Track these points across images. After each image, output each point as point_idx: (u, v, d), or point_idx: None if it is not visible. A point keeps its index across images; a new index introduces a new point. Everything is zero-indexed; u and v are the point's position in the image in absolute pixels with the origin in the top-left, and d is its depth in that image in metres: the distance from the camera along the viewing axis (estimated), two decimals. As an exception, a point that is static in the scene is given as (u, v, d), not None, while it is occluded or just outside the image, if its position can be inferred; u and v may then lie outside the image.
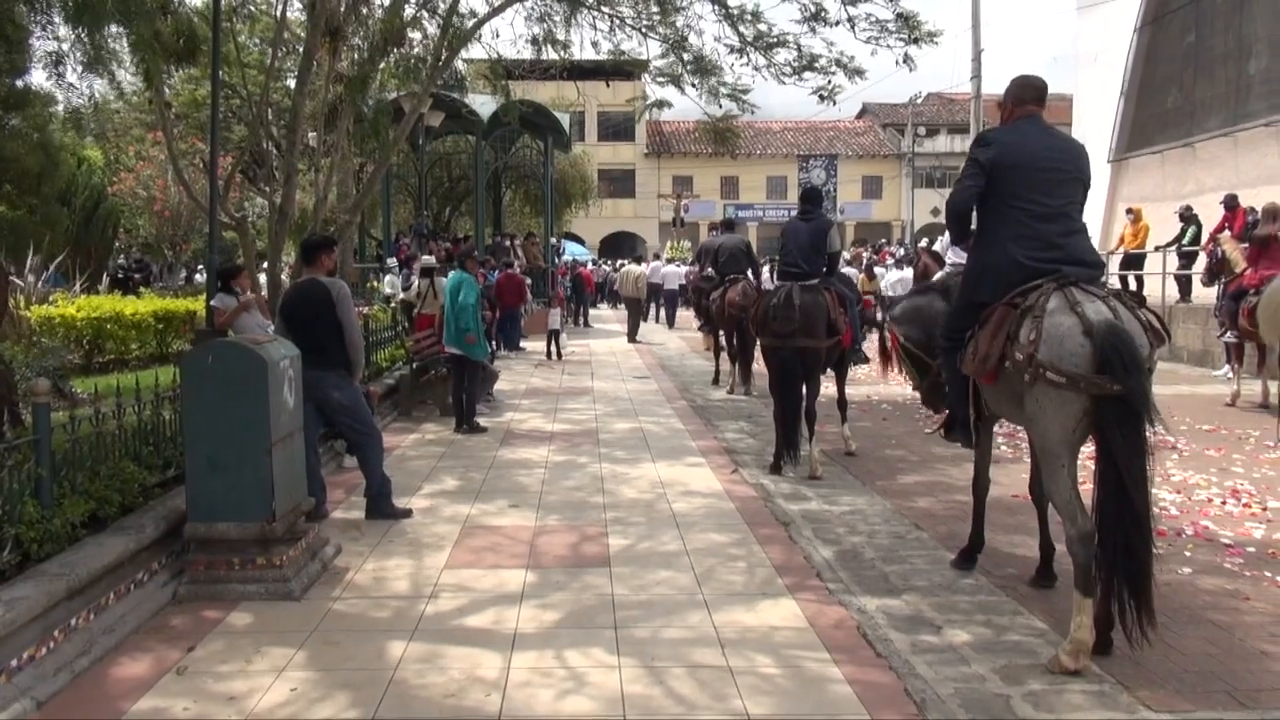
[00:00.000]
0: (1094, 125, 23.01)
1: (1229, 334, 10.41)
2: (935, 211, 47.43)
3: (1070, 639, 3.64)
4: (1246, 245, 10.33)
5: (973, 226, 4.40)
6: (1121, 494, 3.62)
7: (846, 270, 13.98)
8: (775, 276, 8.05)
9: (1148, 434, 3.70)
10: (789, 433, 7.10)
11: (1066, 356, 3.68)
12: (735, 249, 11.48)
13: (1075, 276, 3.90)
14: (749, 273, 11.31)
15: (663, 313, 24.65)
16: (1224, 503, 6.21)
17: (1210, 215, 14.78)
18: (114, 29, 7.25)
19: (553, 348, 15.99)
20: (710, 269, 11.86)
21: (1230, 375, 10.60)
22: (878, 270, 20.72)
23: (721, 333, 12.00)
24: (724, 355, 12.21)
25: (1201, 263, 12.52)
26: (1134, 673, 3.62)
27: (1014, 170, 4.08)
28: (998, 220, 4.15)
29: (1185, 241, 15.01)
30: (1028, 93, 4.30)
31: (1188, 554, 5.12)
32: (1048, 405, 3.79)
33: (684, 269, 23.73)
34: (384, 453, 6.42)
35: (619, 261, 34.67)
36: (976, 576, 4.76)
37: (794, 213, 7.73)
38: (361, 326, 10.69)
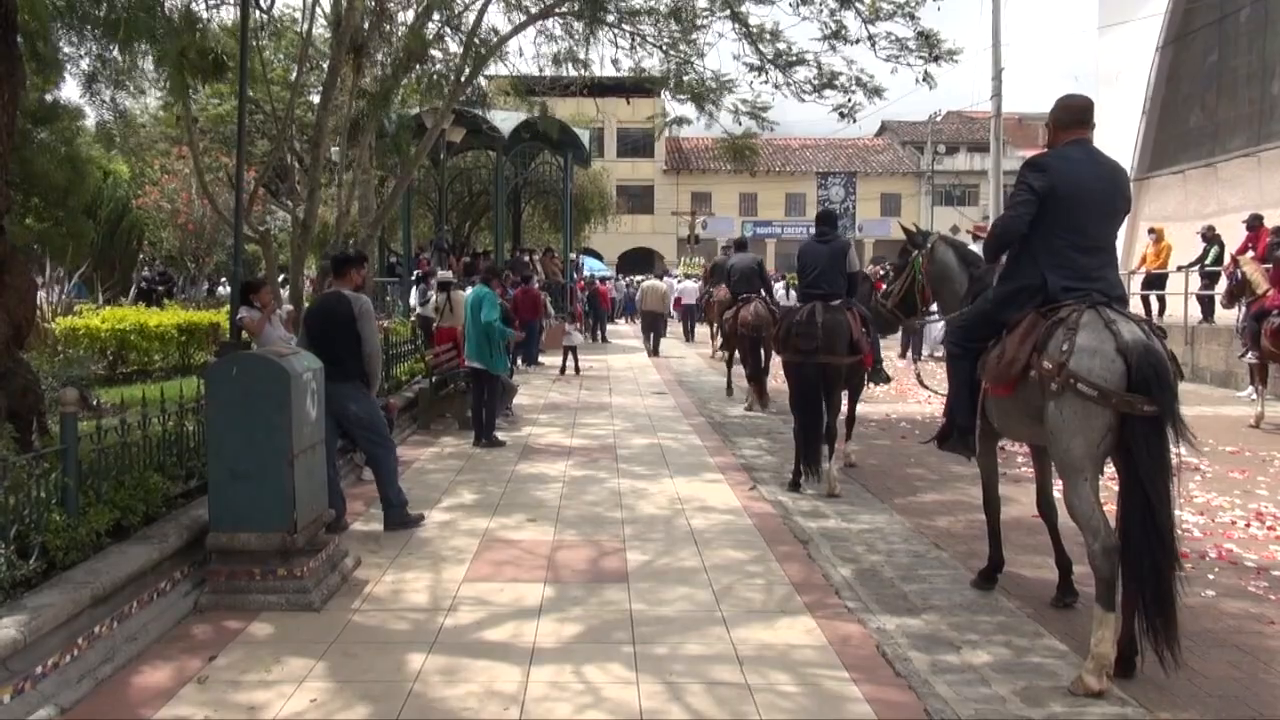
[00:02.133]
0: (1115, 144, 22.83)
1: (1251, 355, 10.32)
2: (955, 229, 47.23)
3: (1092, 655, 3.62)
4: (1269, 266, 10.28)
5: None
6: (1147, 513, 3.63)
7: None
8: (797, 298, 8.17)
9: (1172, 454, 3.71)
10: (809, 449, 7.11)
11: (1099, 370, 3.71)
12: (748, 268, 11.53)
13: (1103, 300, 3.94)
14: (761, 291, 11.35)
15: (676, 327, 25.41)
16: (1248, 525, 6.14)
17: (1233, 235, 14.69)
18: (143, 46, 7.37)
19: (568, 363, 16.03)
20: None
21: (1254, 396, 10.52)
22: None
23: (736, 350, 12.01)
24: (736, 369, 12.34)
25: (1223, 284, 12.46)
26: (1157, 696, 3.59)
27: (1065, 201, 4.07)
28: (1039, 247, 4.14)
29: (1208, 262, 14.92)
30: (1073, 115, 4.25)
31: (1211, 577, 5.06)
32: (1073, 417, 3.78)
33: (697, 285, 24.08)
34: (398, 466, 6.46)
35: (637, 277, 34.85)
36: (997, 597, 4.73)
37: (810, 231, 7.81)
38: (381, 340, 10.83)
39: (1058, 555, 4.71)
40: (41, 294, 11.76)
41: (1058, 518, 4.65)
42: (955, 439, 4.83)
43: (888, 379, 8.40)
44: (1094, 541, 3.75)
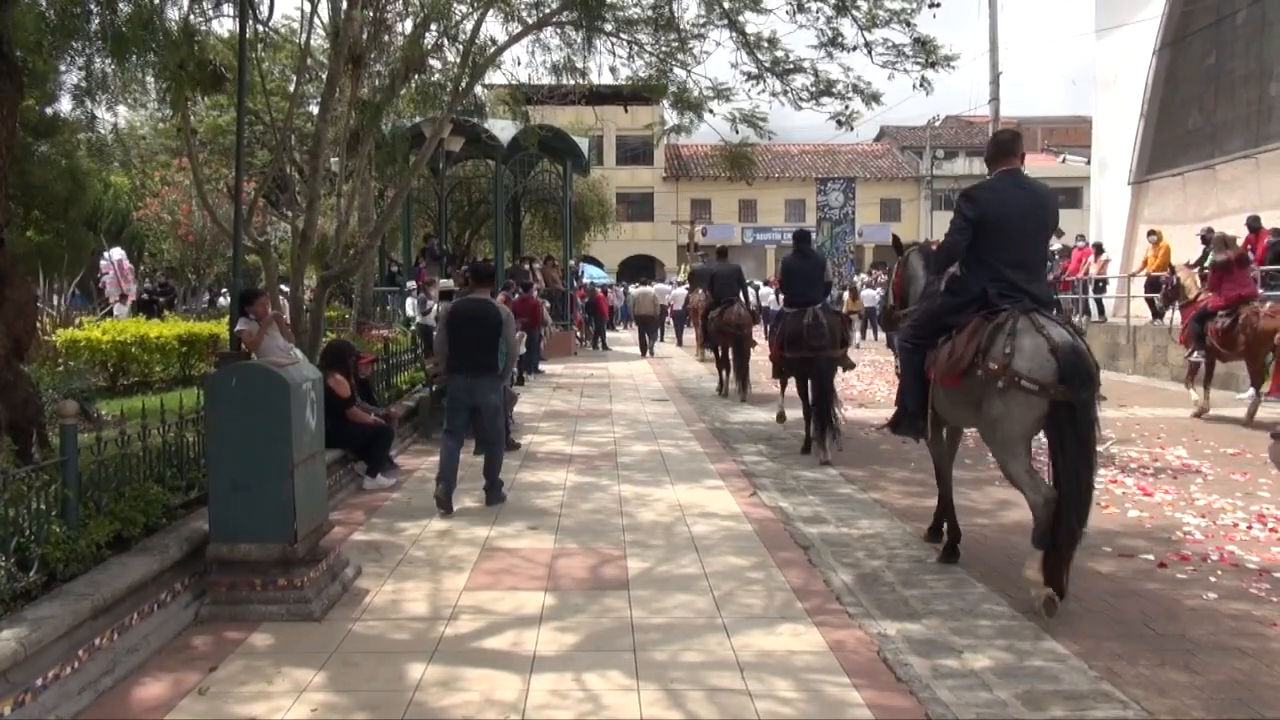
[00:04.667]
0: (1113, 147, 22.94)
1: (1195, 354, 11.18)
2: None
3: (1025, 579, 4.52)
4: (1205, 272, 11.38)
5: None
6: (1072, 476, 4.45)
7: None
8: (785, 303, 9.67)
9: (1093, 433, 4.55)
10: (822, 421, 8.62)
11: (1037, 369, 4.46)
12: (730, 275, 13.18)
13: (1033, 307, 4.72)
14: (741, 296, 12.95)
15: (670, 332, 27.31)
16: (1250, 528, 6.13)
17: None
18: (141, 59, 7.40)
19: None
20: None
21: (1250, 397, 10.77)
22: (865, 292, 23.67)
23: (719, 347, 13.56)
24: (718, 364, 13.95)
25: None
26: (1160, 700, 3.58)
27: (994, 226, 4.86)
28: (977, 264, 4.94)
29: (1207, 264, 14.93)
30: (1002, 149, 5.08)
31: (1213, 580, 5.06)
32: (1016, 407, 4.57)
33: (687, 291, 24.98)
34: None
35: (631, 287, 35.05)
36: (998, 601, 4.72)
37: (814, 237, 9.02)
38: (381, 349, 10.85)
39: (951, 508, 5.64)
40: (41, 305, 11.79)
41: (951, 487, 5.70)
42: (906, 424, 5.54)
43: (852, 365, 9.56)
44: (1036, 496, 4.55)
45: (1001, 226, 4.85)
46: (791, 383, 9.64)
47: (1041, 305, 4.78)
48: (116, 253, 20.08)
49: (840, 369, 9.10)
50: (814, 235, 44.30)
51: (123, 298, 19.46)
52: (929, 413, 5.31)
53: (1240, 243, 13.81)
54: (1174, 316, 12.59)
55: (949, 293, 5.18)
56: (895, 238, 6.92)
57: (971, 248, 4.94)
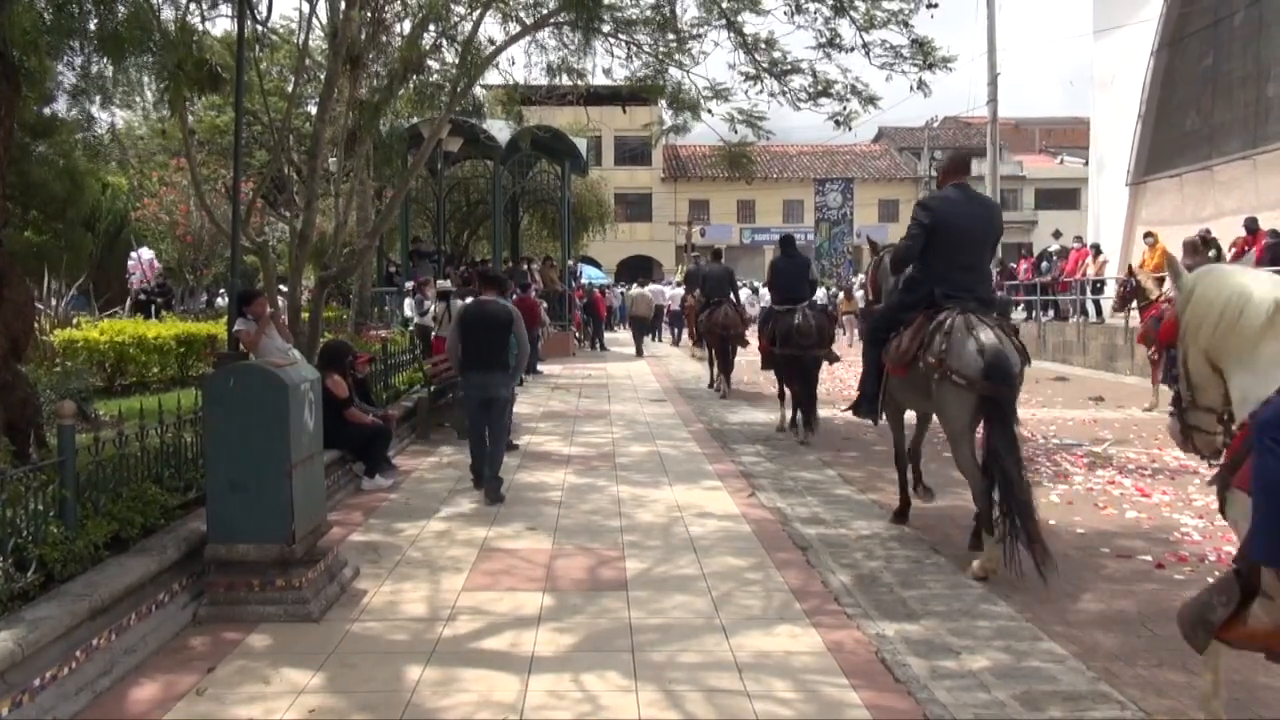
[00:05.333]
0: (1111, 148, 22.97)
1: (1154, 352, 11.65)
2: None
3: (983, 557, 5.13)
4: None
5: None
6: (997, 460, 5.02)
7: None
8: (774, 302, 10.31)
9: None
10: (807, 414, 9.57)
11: (966, 366, 5.06)
12: (721, 276, 13.81)
13: (974, 307, 5.27)
14: (731, 296, 13.60)
15: (667, 332, 27.98)
16: (1247, 528, 6.13)
17: (1230, 239, 14.71)
18: (139, 59, 7.39)
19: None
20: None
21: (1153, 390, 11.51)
22: (857, 293, 24.08)
23: (707, 343, 14.51)
24: (709, 361, 14.87)
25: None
26: (1157, 701, 3.58)
27: (944, 232, 5.44)
28: (929, 267, 5.53)
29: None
30: (956, 165, 5.84)
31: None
32: (950, 398, 5.21)
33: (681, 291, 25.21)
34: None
35: (625, 285, 35.17)
36: (995, 602, 4.72)
37: (810, 237, 9.88)
38: (379, 350, 10.84)
39: (901, 484, 6.33)
40: (39, 306, 11.75)
41: (920, 460, 6.38)
42: (864, 407, 6.21)
43: (836, 359, 10.14)
44: (975, 485, 5.24)
45: (951, 233, 5.44)
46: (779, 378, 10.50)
47: (984, 305, 5.37)
48: (146, 253, 20.12)
49: (826, 363, 9.98)
50: (812, 236, 44.30)
51: (144, 294, 19.47)
52: (883, 398, 6.03)
53: (1237, 244, 13.88)
54: (1134, 316, 13.35)
55: (904, 291, 5.81)
56: (870, 241, 8.15)
57: (924, 252, 5.52)
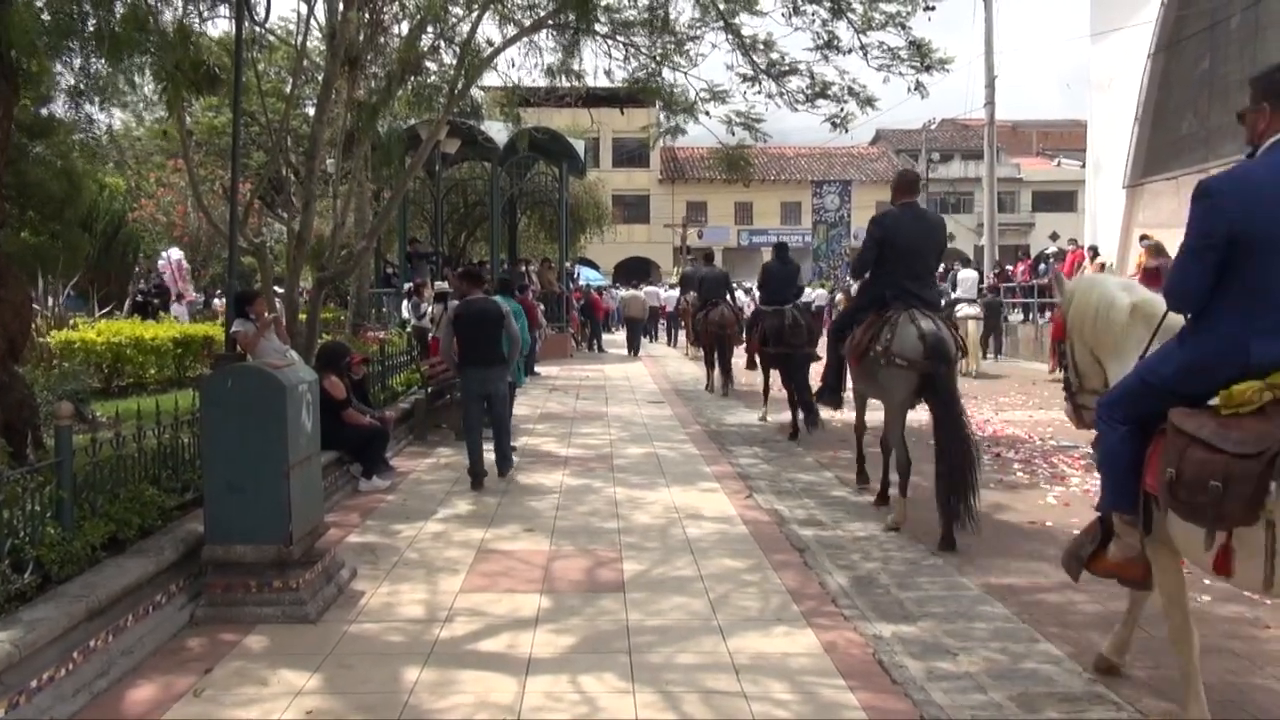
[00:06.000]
0: (1108, 150, 22.98)
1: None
2: (950, 237, 47.28)
3: (894, 512, 6.25)
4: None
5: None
6: (947, 431, 5.79)
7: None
8: (763, 302, 11.03)
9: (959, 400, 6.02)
10: (797, 405, 10.09)
11: (907, 350, 5.90)
12: (717, 279, 14.25)
13: (918, 305, 6.08)
14: (726, 297, 14.08)
15: (664, 333, 28.92)
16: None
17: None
18: (136, 59, 7.38)
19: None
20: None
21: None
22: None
23: (704, 343, 14.73)
24: (705, 361, 15.07)
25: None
26: (1154, 701, 3.59)
27: (893, 246, 6.28)
28: (880, 276, 6.39)
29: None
30: (905, 184, 6.62)
31: (1206, 582, 5.06)
32: (894, 380, 6.05)
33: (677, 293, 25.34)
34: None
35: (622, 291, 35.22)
36: (992, 603, 4.73)
37: (807, 239, 10.41)
38: (377, 352, 10.83)
39: (866, 458, 7.44)
40: (36, 307, 11.73)
41: (887, 455, 6.81)
42: (827, 395, 7.36)
43: (819, 358, 10.12)
44: (900, 455, 6.22)
45: (899, 246, 6.26)
46: (772, 377, 11.16)
47: (927, 305, 6.19)
48: (175, 253, 20.07)
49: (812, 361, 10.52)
50: (810, 238, 44.32)
51: (179, 298, 19.39)
52: (843, 386, 7.24)
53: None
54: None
55: (860, 295, 6.84)
56: (854, 249, 8.40)
57: (877, 261, 6.37)
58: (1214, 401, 2.86)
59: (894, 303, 6.18)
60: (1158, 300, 3.47)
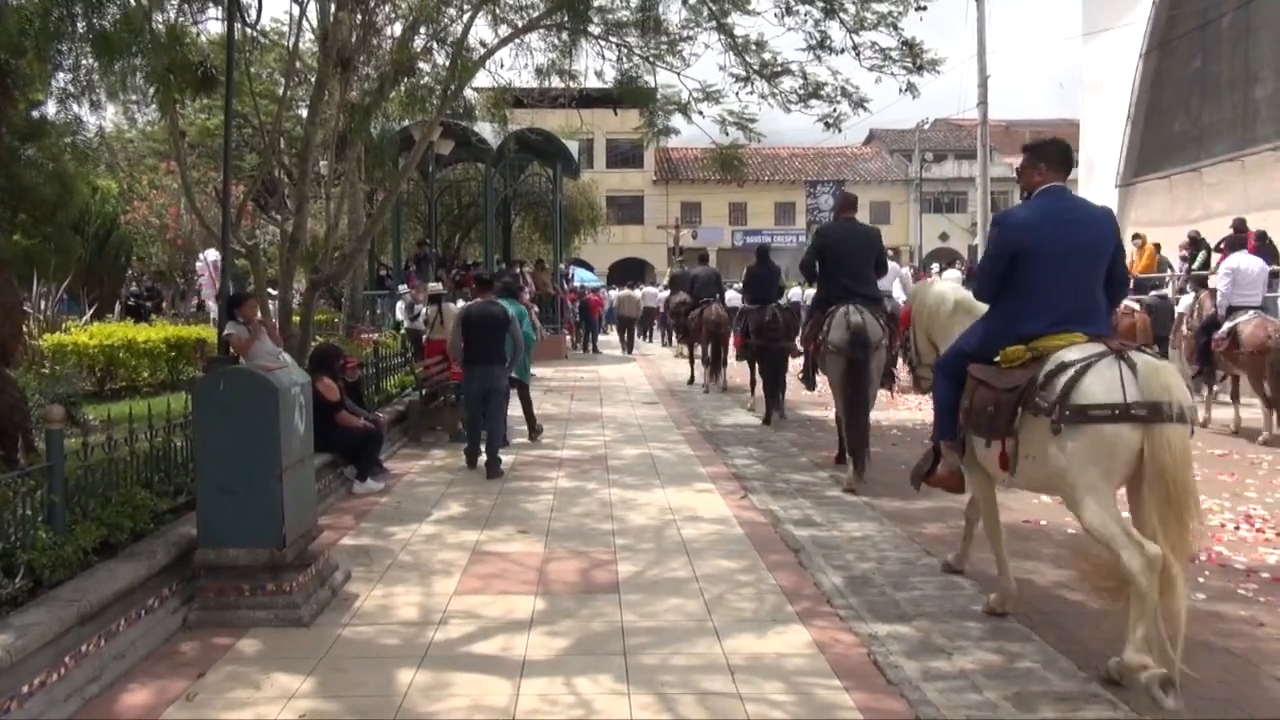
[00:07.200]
0: (1100, 150, 23.04)
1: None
2: (944, 236, 47.45)
3: (847, 478, 7.43)
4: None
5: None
6: (852, 401, 7.39)
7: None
8: (748, 301, 12.02)
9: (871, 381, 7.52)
10: (774, 399, 11.22)
11: (837, 339, 7.34)
12: (708, 278, 15.13)
13: (856, 302, 7.44)
14: (717, 296, 14.72)
15: (657, 333, 29.25)
16: (1237, 528, 6.17)
17: (1218, 240, 14.78)
18: (128, 62, 7.35)
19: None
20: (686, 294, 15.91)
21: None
22: None
23: (697, 343, 15.33)
24: (697, 361, 15.54)
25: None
26: (1150, 701, 3.58)
27: (834, 254, 7.76)
28: (827, 279, 7.84)
29: (1195, 266, 15.08)
30: (846, 203, 8.44)
31: (1201, 580, 5.07)
32: (830, 364, 7.50)
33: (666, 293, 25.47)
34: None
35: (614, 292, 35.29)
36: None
37: (803, 239, 11.52)
38: (370, 354, 10.81)
39: (847, 442, 7.89)
40: (28, 310, 11.68)
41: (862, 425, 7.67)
42: (806, 380, 8.72)
43: (799, 353, 10.61)
44: (841, 423, 7.71)
45: (838, 254, 7.72)
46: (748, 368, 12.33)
47: (867, 301, 7.53)
48: (212, 254, 20.01)
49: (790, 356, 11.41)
50: (804, 238, 44.27)
51: (217, 298, 19.31)
52: (816, 372, 8.39)
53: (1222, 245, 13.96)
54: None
55: (815, 295, 8.40)
56: None
57: (822, 267, 7.81)
58: (996, 359, 4.06)
59: (836, 300, 7.59)
60: (972, 298, 4.81)
